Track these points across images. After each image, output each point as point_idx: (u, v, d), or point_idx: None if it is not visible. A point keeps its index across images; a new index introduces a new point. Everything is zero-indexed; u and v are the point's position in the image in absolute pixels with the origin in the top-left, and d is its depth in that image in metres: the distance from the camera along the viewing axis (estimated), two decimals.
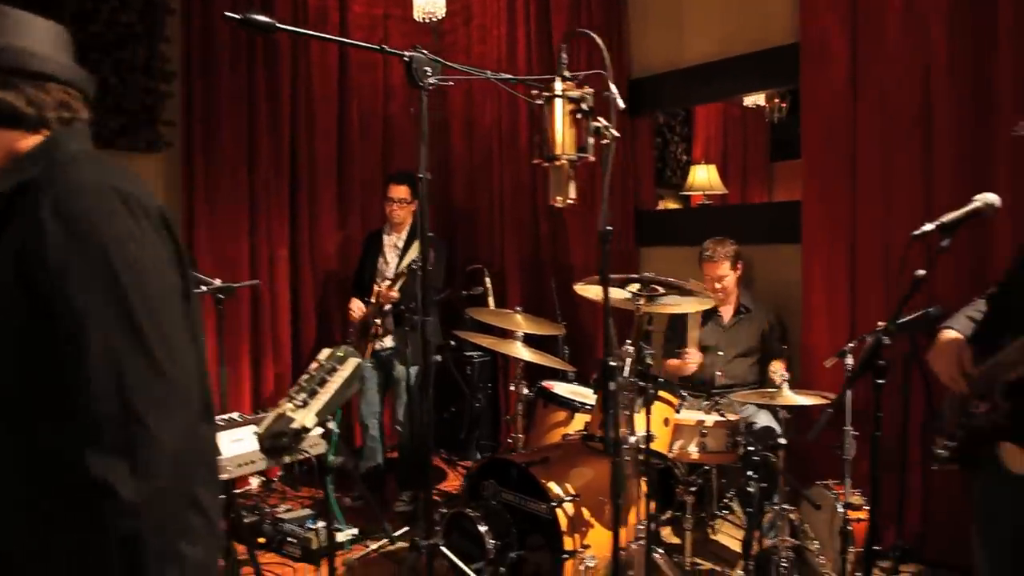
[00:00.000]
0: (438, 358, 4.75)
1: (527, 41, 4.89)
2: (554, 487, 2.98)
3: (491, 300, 3.96)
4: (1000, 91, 3.10)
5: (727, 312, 3.90)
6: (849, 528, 3.23)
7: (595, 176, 4.58)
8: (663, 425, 3.01)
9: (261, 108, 4.59)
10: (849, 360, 3.08)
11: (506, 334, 3.72)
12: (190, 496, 1.17)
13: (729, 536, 3.76)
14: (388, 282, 3.85)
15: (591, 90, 1.53)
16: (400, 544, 3.80)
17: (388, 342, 4.17)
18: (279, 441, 2.23)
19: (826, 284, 3.71)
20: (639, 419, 2.91)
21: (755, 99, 6.10)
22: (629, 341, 2.72)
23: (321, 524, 3.85)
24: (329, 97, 4.96)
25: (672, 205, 6.74)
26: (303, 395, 2.36)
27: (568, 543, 2.93)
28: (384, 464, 4.33)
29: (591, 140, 1.55)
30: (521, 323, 3.92)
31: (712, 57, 4.24)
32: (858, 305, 3.62)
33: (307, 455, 2.78)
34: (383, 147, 5.25)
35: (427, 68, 2.39)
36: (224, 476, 2.62)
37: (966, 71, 3.21)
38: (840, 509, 3.27)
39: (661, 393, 3.02)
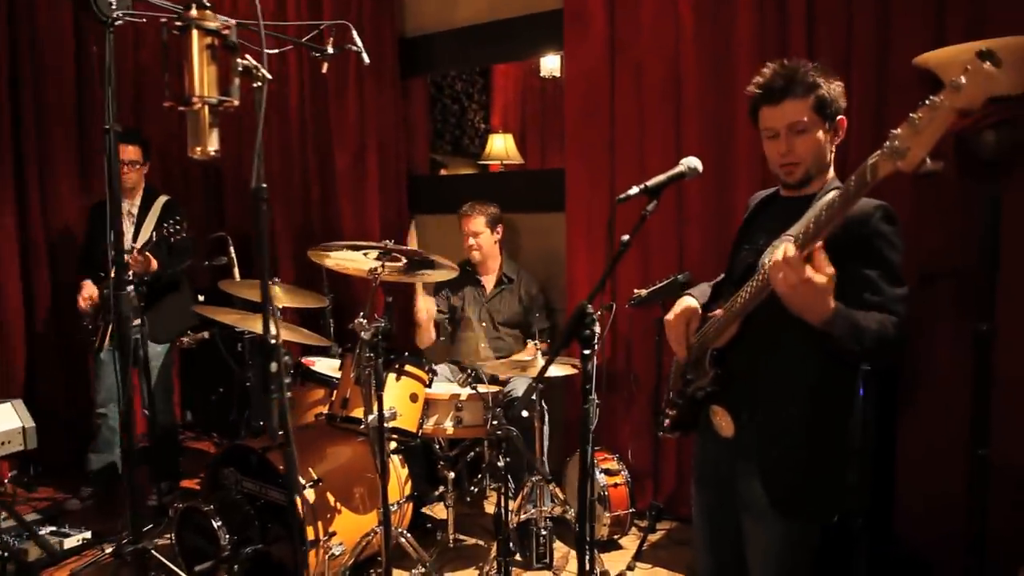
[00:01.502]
0: (206, 334, 4.34)
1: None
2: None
3: (236, 271, 3.62)
4: (739, 63, 3.20)
5: (489, 283, 3.82)
6: (605, 493, 3.30)
7: (365, 134, 4.34)
8: (410, 401, 2.86)
9: None
10: (596, 328, 3.08)
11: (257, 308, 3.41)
12: None
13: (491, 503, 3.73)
14: (135, 251, 3.38)
15: (233, 22, 1.30)
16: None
17: (136, 321, 3.70)
18: None
19: (588, 254, 3.73)
20: (384, 396, 2.76)
21: (552, 70, 6.10)
22: (362, 313, 2.53)
23: (49, 530, 3.41)
24: (59, 29, 4.30)
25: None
26: None
27: (311, 532, 2.74)
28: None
29: (237, 82, 1.32)
30: (280, 296, 3.63)
31: (484, 18, 4.11)
32: (619, 275, 3.66)
33: None
34: (133, 100, 4.67)
35: (112, 1, 2.05)
36: None
37: (711, 44, 3.29)
38: (599, 476, 3.32)
39: (409, 368, 2.87)
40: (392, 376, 2.82)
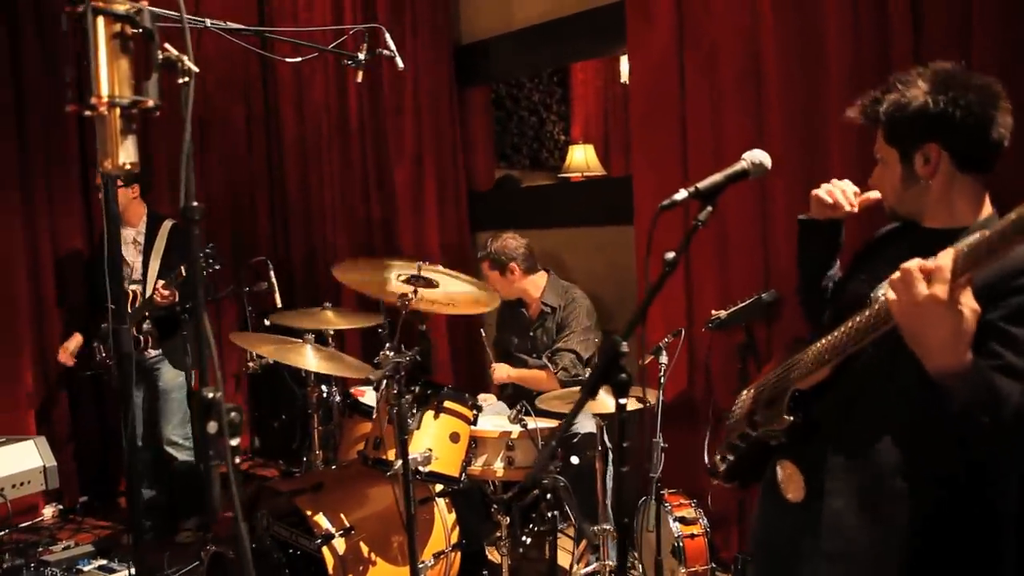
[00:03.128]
0: (271, 360, 4.22)
1: (352, 6, 4.36)
2: (322, 520, 2.51)
3: (277, 296, 3.44)
4: (829, 43, 2.75)
5: (535, 311, 3.47)
6: (680, 545, 2.88)
7: (423, 148, 4.11)
8: (450, 441, 2.56)
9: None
10: (664, 358, 2.70)
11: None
12: None
13: (565, 551, 3.37)
14: (160, 286, 3.27)
15: (145, 2, 1.06)
16: None
17: (152, 352, 3.62)
18: None
19: (659, 270, 3.32)
20: (418, 436, 2.48)
21: None
22: (388, 345, 2.25)
23: (96, 565, 3.32)
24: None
25: None
26: None
27: None
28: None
29: (155, 77, 1.08)
30: (332, 319, 3.43)
31: (541, 18, 3.81)
32: (694, 292, 3.25)
33: None
34: (198, 126, 4.63)
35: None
36: None
37: (795, 22, 2.85)
38: (673, 524, 2.91)
39: (449, 405, 2.57)
40: (430, 414, 2.53)
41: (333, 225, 4.55)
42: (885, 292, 1.25)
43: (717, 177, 1.50)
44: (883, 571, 1.36)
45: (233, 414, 1.29)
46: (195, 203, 1.22)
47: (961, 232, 1.35)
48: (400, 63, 2.63)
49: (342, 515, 2.58)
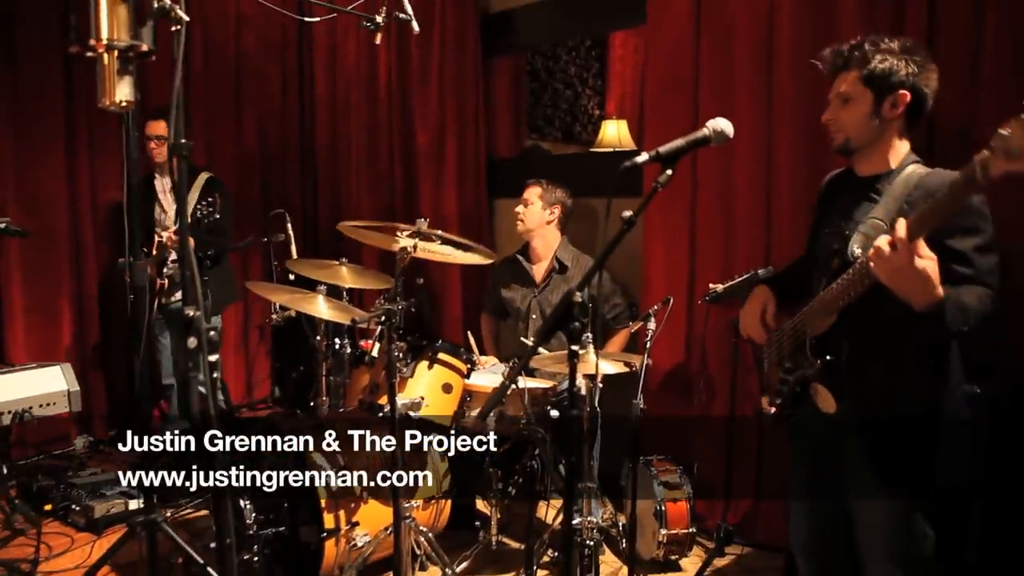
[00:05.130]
0: (293, 312, 4.40)
1: None
2: (318, 457, 2.67)
3: (294, 248, 3.58)
4: (843, 22, 2.76)
5: (539, 272, 3.52)
6: (662, 508, 2.98)
7: (445, 114, 4.20)
8: (442, 391, 2.68)
9: None
10: (652, 324, 2.78)
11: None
12: None
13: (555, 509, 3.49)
14: (171, 231, 3.45)
15: None
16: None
17: (179, 295, 3.80)
18: None
19: (664, 243, 3.40)
20: (411, 383, 2.61)
21: None
22: (384, 295, 2.38)
23: (118, 491, 3.54)
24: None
25: None
26: None
27: (329, 520, 2.63)
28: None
29: (150, 23, 1.19)
30: (346, 277, 3.57)
31: None
32: (698, 268, 3.31)
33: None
34: (234, 84, 4.79)
35: None
36: None
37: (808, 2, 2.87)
38: (657, 488, 3.01)
39: (443, 357, 2.69)
40: (424, 364, 2.66)
41: (358, 185, 4.69)
42: (864, 260, 1.59)
43: (679, 142, 1.60)
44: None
45: (212, 332, 1.42)
46: (183, 140, 1.34)
47: (885, 176, 1.80)
48: (416, 27, 2.73)
49: (339, 455, 2.73)
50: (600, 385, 2.95)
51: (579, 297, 1.52)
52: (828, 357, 1.79)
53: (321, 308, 3.10)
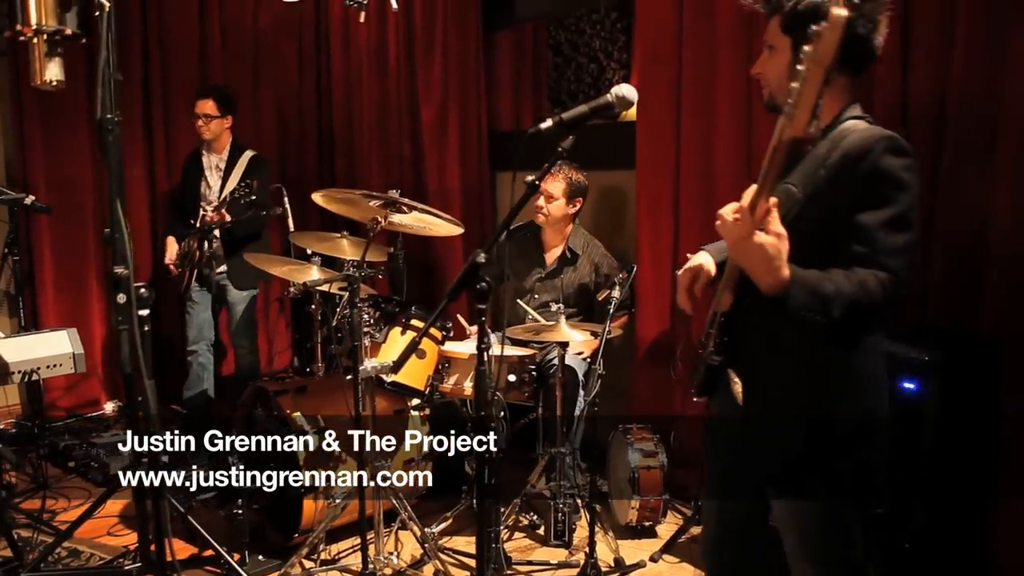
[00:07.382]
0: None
1: None
2: (299, 418, 2.81)
3: (290, 221, 3.73)
4: None
5: (551, 257, 3.53)
6: (636, 476, 3.04)
7: (448, 89, 4.28)
8: (415, 356, 2.78)
9: None
10: (616, 292, 2.82)
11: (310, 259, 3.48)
12: None
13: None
14: (213, 206, 3.66)
15: None
16: None
17: (222, 268, 3.99)
18: None
19: (651, 213, 3.42)
20: (384, 348, 2.72)
21: None
22: (354, 261, 2.48)
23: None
24: (187, 5, 4.64)
25: None
26: None
27: (310, 479, 2.76)
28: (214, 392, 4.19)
29: (74, 9, 1.29)
30: (347, 248, 3.69)
31: None
32: (683, 239, 3.33)
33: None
34: (253, 63, 4.94)
35: None
36: None
37: None
38: (632, 455, 3.06)
39: (416, 323, 2.79)
40: (397, 330, 2.76)
41: (369, 160, 4.79)
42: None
43: (582, 108, 1.63)
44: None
45: (143, 290, 1.54)
46: (109, 115, 1.45)
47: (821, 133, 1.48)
48: (394, 4, 2.80)
49: (319, 415, 2.87)
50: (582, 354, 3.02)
51: (483, 258, 1.58)
52: (725, 338, 1.60)
53: (314, 277, 3.24)
